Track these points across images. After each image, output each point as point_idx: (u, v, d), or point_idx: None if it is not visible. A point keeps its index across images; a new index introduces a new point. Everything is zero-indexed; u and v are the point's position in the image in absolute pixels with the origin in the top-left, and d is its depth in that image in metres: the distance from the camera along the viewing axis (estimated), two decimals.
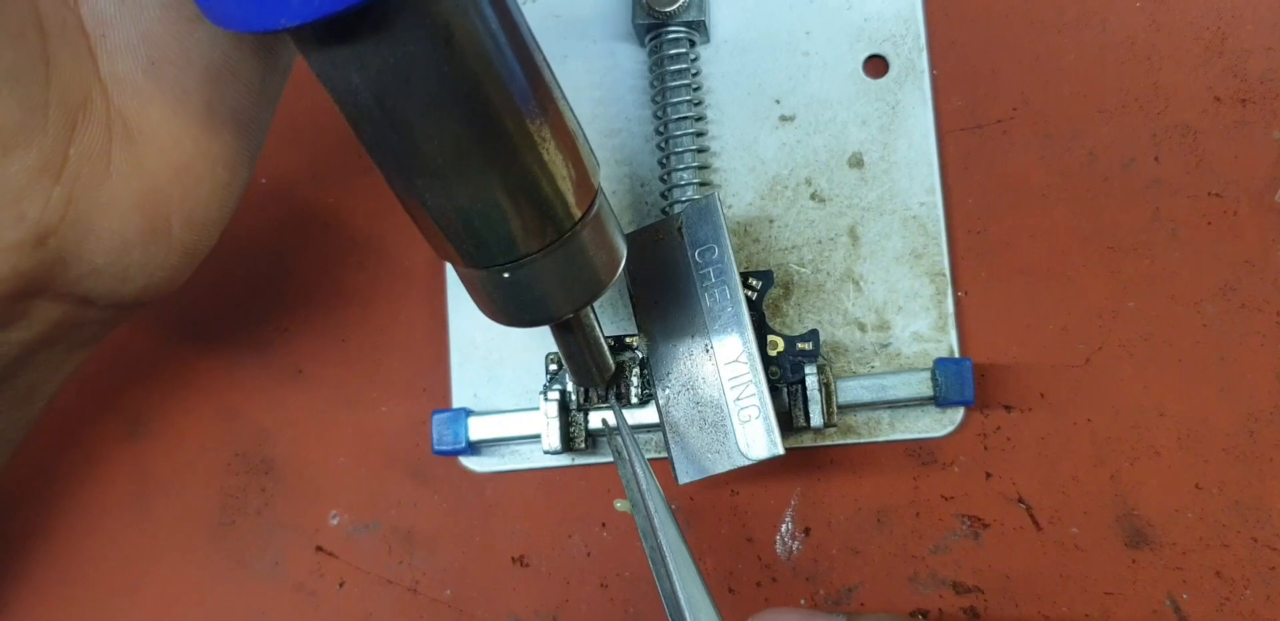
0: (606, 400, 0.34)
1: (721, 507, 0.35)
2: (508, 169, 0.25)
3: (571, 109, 0.27)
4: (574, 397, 0.35)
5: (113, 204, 0.27)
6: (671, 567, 0.29)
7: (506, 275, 0.26)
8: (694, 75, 0.37)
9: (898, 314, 0.35)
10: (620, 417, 0.33)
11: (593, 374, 0.32)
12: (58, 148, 0.26)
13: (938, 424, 0.35)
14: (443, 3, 0.22)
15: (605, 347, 0.32)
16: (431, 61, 0.22)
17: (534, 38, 0.25)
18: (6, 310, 0.27)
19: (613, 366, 0.33)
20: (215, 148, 0.28)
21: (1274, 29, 0.36)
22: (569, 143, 0.26)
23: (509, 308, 0.28)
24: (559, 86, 0.26)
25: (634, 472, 0.31)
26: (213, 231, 0.30)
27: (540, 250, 0.26)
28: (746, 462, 0.32)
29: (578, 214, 0.26)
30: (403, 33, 0.22)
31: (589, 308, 0.30)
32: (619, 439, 0.32)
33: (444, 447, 0.35)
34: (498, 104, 0.24)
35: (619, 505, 0.35)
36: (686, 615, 0.29)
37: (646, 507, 0.30)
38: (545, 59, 0.26)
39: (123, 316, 0.31)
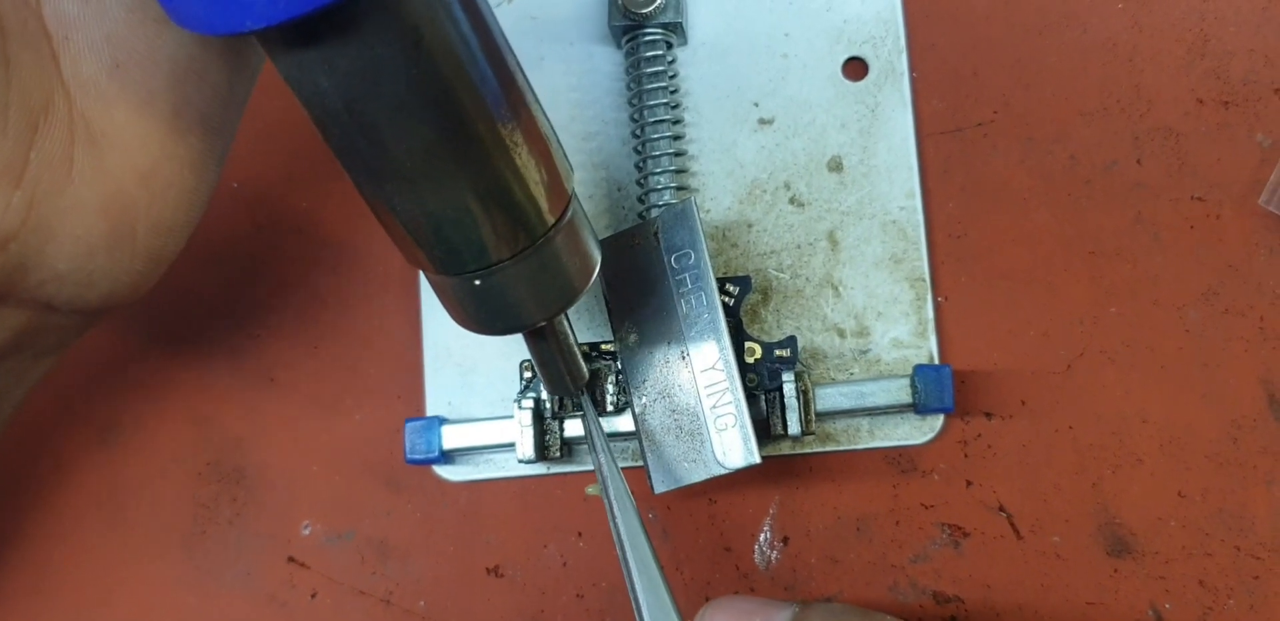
0: (581, 407, 0.34)
1: (699, 517, 0.35)
2: (479, 174, 0.24)
3: (545, 113, 0.26)
4: (549, 406, 0.34)
5: (75, 208, 0.26)
6: (637, 579, 0.29)
7: (478, 282, 0.26)
8: (671, 78, 0.36)
9: (877, 320, 0.35)
10: (595, 424, 0.32)
11: (566, 382, 0.32)
12: (18, 151, 0.25)
13: (917, 431, 0.34)
14: (412, 5, 0.22)
15: (579, 355, 0.32)
16: (400, 64, 0.22)
17: (506, 41, 0.25)
18: None
19: (587, 374, 0.32)
20: (182, 151, 0.28)
21: (1257, 31, 0.35)
22: (541, 147, 0.25)
23: (480, 315, 0.27)
24: (532, 90, 0.26)
25: (603, 478, 0.31)
26: (179, 236, 0.29)
27: (512, 257, 0.26)
28: (723, 471, 0.31)
29: (550, 220, 0.26)
30: (371, 35, 0.21)
31: (563, 315, 0.29)
32: (586, 424, 0.32)
33: (417, 457, 0.35)
34: (468, 108, 0.23)
35: (590, 490, 0.35)
36: (640, 595, 0.28)
37: (614, 514, 0.30)
38: (518, 62, 0.25)
39: (88, 323, 0.31)
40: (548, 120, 0.26)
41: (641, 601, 0.29)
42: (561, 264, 0.27)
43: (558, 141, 0.27)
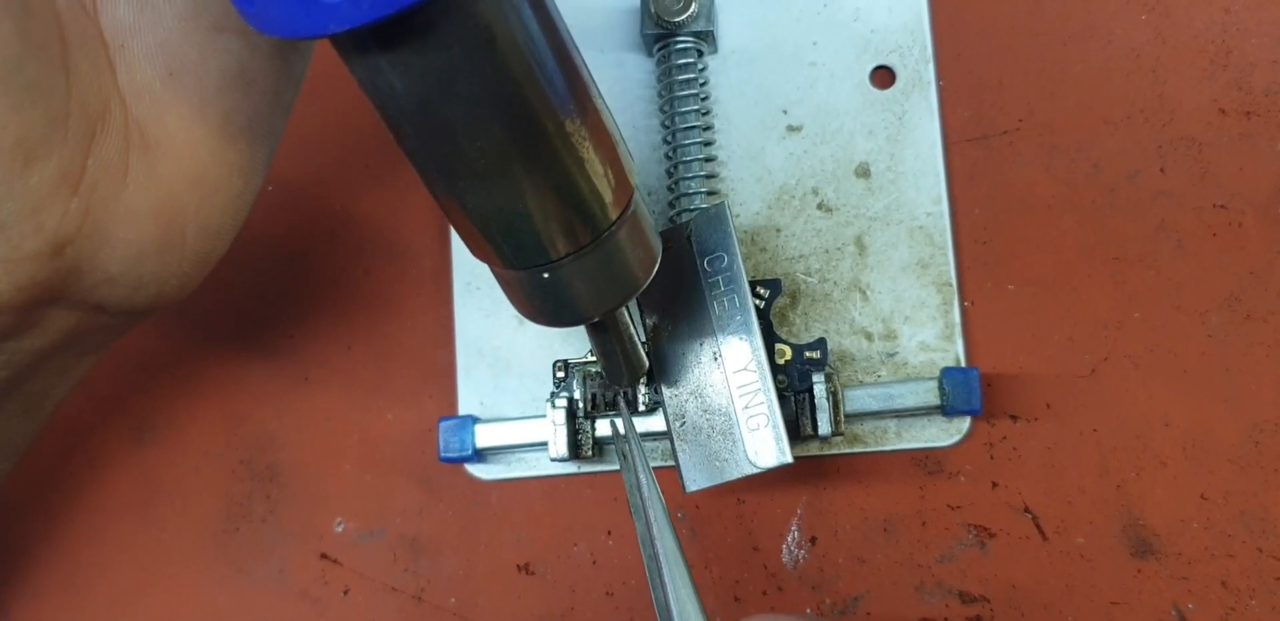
0: (615, 406, 0.34)
1: (728, 516, 0.35)
2: (548, 170, 0.25)
3: (609, 109, 0.27)
4: (581, 405, 0.35)
5: (129, 214, 0.27)
6: (666, 578, 0.29)
7: (545, 275, 0.27)
8: (702, 85, 0.37)
9: (904, 323, 0.35)
10: (628, 421, 0.32)
11: (625, 372, 0.32)
12: (76, 158, 0.26)
13: (944, 433, 0.35)
14: (485, 5, 0.22)
15: (640, 345, 0.32)
16: (474, 64, 0.22)
17: (571, 37, 0.25)
18: (22, 319, 0.27)
19: (646, 364, 0.33)
20: (231, 156, 0.28)
21: (1278, 42, 0.36)
22: (607, 143, 0.26)
23: (546, 308, 0.28)
24: (596, 86, 0.26)
25: (637, 478, 0.31)
26: (226, 239, 0.30)
27: (578, 251, 0.26)
28: (755, 471, 0.32)
29: (615, 214, 0.26)
30: (446, 36, 0.22)
31: (624, 306, 0.30)
32: (625, 443, 0.32)
33: (450, 455, 0.35)
34: (538, 105, 0.24)
35: None
36: (671, 600, 0.29)
37: (646, 515, 0.30)
38: (583, 58, 0.26)
39: (133, 323, 0.31)
40: (611, 115, 0.27)
41: (672, 606, 0.29)
42: (625, 257, 0.27)
43: (621, 136, 0.27)
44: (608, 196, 0.26)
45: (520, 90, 0.23)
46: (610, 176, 0.26)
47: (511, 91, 0.23)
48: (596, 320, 0.29)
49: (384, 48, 0.22)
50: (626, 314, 0.31)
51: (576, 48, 0.25)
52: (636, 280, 0.28)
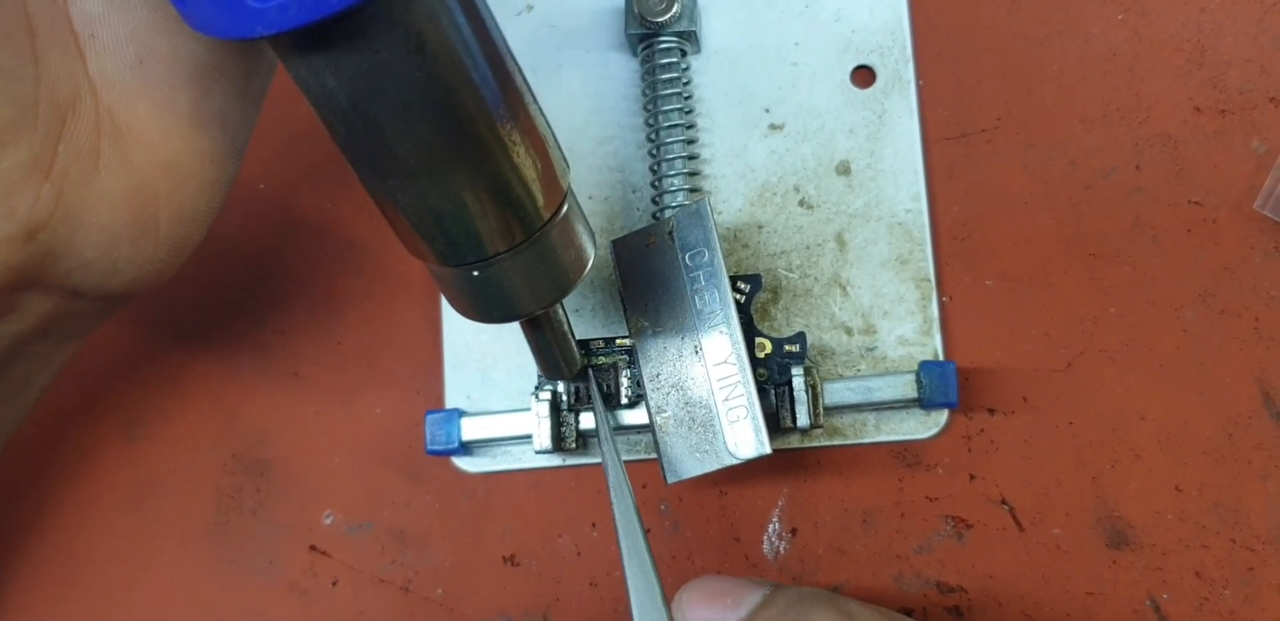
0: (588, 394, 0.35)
1: (710, 508, 0.36)
2: (478, 171, 0.25)
3: (543, 113, 0.27)
4: (565, 398, 0.35)
5: (102, 199, 0.28)
6: (624, 547, 0.31)
7: (476, 273, 0.27)
8: (685, 84, 0.37)
9: (884, 318, 0.36)
10: (598, 403, 0.34)
11: (561, 368, 0.33)
12: (47, 145, 0.26)
13: (922, 426, 0.35)
14: (415, 12, 0.23)
15: (573, 343, 0.33)
16: (404, 68, 0.23)
17: (506, 43, 0.26)
18: None
19: (579, 361, 0.34)
20: (203, 144, 0.29)
21: (1253, 41, 0.36)
22: (539, 146, 0.27)
23: (478, 304, 0.29)
24: (530, 91, 0.27)
25: (605, 458, 0.32)
26: (200, 226, 0.30)
27: (509, 250, 0.27)
28: (734, 462, 0.32)
29: (546, 215, 0.27)
30: (376, 41, 0.22)
31: (558, 304, 0.31)
32: (594, 414, 0.34)
33: (437, 448, 0.36)
34: (469, 109, 0.24)
35: None
36: (630, 580, 0.30)
37: (612, 492, 0.31)
38: (517, 64, 0.26)
39: (111, 308, 0.32)
40: (545, 119, 0.27)
41: (630, 586, 0.30)
42: (556, 257, 0.28)
43: (555, 140, 0.28)
44: (539, 198, 0.27)
45: (450, 94, 0.24)
46: (541, 179, 0.27)
47: (441, 95, 0.24)
48: (530, 317, 0.30)
49: (315, 49, 0.23)
50: (561, 311, 0.32)
51: (511, 54, 0.26)
52: (567, 280, 0.29)
